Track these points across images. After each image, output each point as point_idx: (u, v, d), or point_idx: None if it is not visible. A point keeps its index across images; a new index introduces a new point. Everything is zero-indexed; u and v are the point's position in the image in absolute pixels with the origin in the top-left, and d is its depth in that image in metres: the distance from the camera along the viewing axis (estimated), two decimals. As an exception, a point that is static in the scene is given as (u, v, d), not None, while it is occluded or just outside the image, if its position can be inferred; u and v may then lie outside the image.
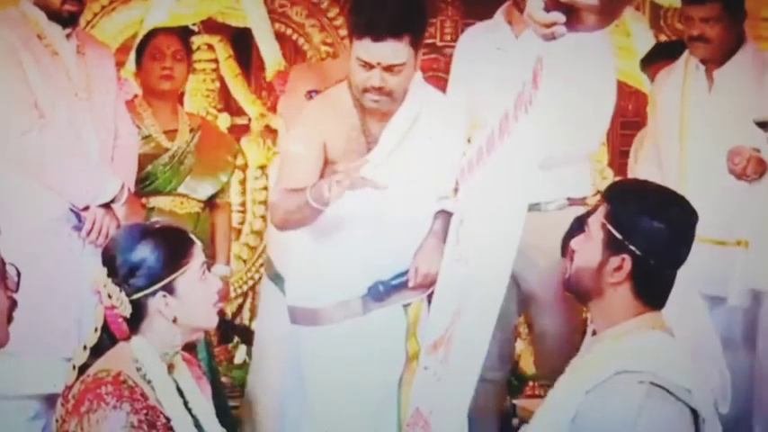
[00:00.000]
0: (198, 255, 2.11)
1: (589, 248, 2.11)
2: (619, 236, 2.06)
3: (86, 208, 2.96)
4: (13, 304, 1.76)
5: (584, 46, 2.51)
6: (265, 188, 4.73)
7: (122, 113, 3.25)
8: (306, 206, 2.71)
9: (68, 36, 3.04)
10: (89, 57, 3.10)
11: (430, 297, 2.89)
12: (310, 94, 3.29)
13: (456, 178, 2.85)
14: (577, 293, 2.18)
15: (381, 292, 2.86)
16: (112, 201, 3.00)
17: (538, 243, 2.77)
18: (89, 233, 2.94)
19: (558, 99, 2.51)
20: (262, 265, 4.64)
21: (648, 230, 2.05)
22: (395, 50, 2.72)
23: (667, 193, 2.21)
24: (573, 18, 2.28)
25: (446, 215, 2.90)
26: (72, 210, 2.96)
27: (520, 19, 2.73)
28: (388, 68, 2.73)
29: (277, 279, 3.45)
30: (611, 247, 2.07)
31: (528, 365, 4.22)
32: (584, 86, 2.74)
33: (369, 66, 2.73)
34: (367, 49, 2.72)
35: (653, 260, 2.05)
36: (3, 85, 2.91)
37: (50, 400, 2.76)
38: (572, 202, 2.87)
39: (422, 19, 2.87)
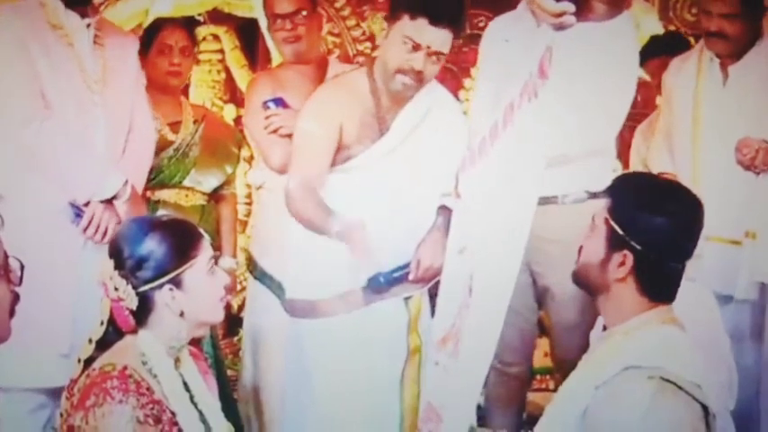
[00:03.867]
0: (206, 249, 2.10)
1: (594, 244, 2.11)
2: (621, 231, 2.05)
3: (88, 203, 2.90)
4: (16, 298, 1.74)
5: (604, 34, 2.48)
6: (272, 181, 4.70)
7: (140, 106, 3.17)
8: (322, 229, 2.75)
9: (88, 26, 2.98)
10: (108, 47, 3.04)
11: (431, 291, 2.89)
12: (266, 105, 3.28)
13: (457, 171, 2.84)
14: (585, 287, 2.18)
15: (382, 284, 2.85)
16: (115, 197, 2.93)
17: (555, 237, 2.74)
18: (86, 229, 2.88)
19: (574, 88, 2.48)
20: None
21: (650, 225, 2.04)
22: (446, 39, 2.74)
23: (670, 185, 2.21)
24: (583, 7, 2.27)
25: (449, 210, 2.87)
26: (71, 204, 2.90)
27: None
28: (434, 54, 2.74)
29: (262, 277, 3.43)
30: (614, 242, 2.07)
31: (537, 359, 4.19)
32: (601, 75, 2.71)
33: (417, 47, 2.72)
34: (421, 29, 2.71)
35: (655, 255, 2.04)
36: (9, 74, 2.85)
37: (53, 392, 2.75)
38: (592, 195, 2.82)
39: (466, 15, 2.90)
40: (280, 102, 3.29)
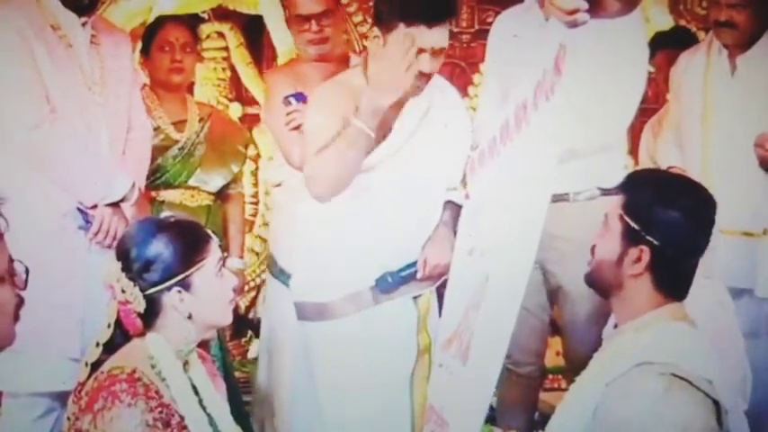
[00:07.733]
0: (215, 251, 2.09)
1: (608, 241, 2.11)
2: (636, 227, 2.06)
3: (94, 206, 2.87)
4: (21, 302, 1.71)
5: (615, 31, 2.47)
6: (278, 179, 4.68)
7: (137, 105, 3.17)
8: (351, 148, 2.66)
9: (83, 25, 2.96)
10: (104, 46, 3.02)
11: (439, 290, 2.87)
12: (287, 100, 3.23)
13: (464, 169, 2.84)
14: (599, 288, 2.18)
15: (390, 283, 2.84)
16: (122, 200, 2.91)
17: (567, 234, 2.73)
18: (96, 234, 2.86)
19: (586, 86, 2.47)
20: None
21: (665, 220, 2.05)
22: (445, 33, 2.73)
23: (683, 181, 2.22)
24: (596, 4, 2.25)
25: (455, 206, 2.89)
26: (79, 209, 2.88)
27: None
28: (437, 52, 2.72)
29: (281, 275, 3.41)
30: (630, 238, 2.07)
31: (549, 358, 4.17)
32: (612, 72, 2.70)
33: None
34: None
35: (671, 250, 2.05)
36: (15, 77, 2.83)
37: (60, 397, 2.73)
38: (604, 192, 2.80)
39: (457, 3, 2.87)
40: (301, 97, 3.23)
